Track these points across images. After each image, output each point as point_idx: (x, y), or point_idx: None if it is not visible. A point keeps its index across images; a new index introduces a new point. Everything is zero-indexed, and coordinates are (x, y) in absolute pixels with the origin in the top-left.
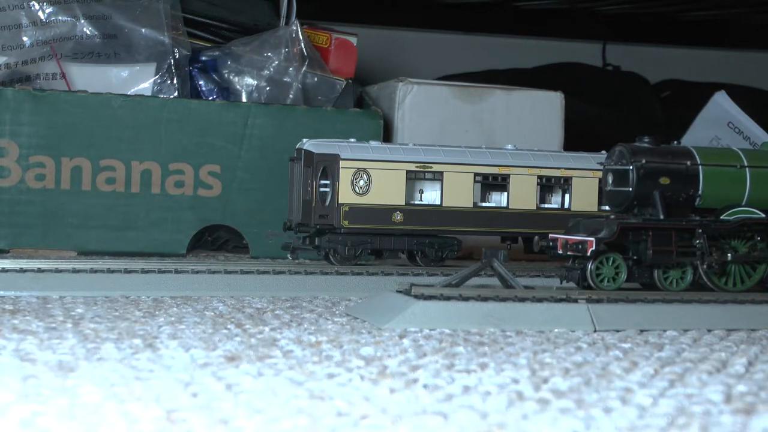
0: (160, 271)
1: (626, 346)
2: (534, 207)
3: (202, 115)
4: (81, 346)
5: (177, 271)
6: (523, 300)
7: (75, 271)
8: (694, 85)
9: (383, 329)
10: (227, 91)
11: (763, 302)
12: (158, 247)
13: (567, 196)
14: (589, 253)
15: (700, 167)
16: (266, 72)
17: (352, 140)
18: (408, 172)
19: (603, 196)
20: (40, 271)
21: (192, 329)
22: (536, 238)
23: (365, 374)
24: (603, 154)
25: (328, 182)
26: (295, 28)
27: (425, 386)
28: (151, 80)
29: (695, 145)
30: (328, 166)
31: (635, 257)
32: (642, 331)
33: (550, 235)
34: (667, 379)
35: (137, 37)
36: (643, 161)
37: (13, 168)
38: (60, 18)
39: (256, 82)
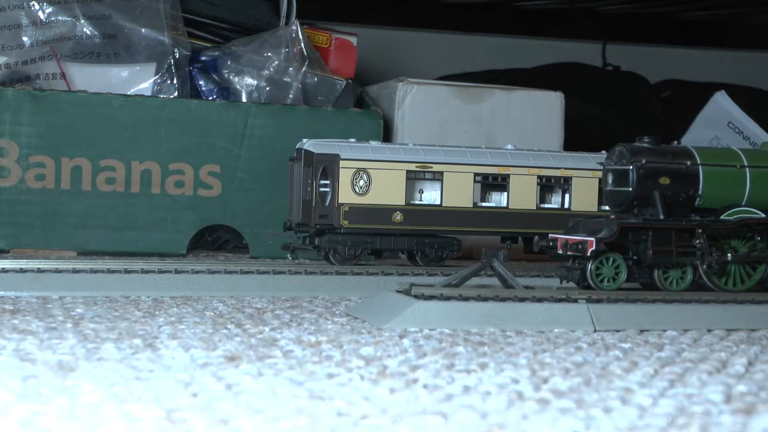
0: (160, 271)
1: (626, 346)
2: (534, 207)
3: (202, 115)
4: (81, 346)
5: (177, 271)
6: (523, 300)
7: (75, 271)
8: (694, 85)
9: (383, 329)
10: (227, 91)
11: (763, 302)
12: (158, 247)
13: (567, 196)
14: (589, 253)
15: (700, 167)
16: (266, 72)
17: (352, 140)
18: (408, 172)
19: (603, 196)
20: (40, 271)
21: (192, 329)
22: (536, 238)
23: (365, 374)
24: (603, 154)
25: (328, 182)
26: (295, 28)
27: (425, 386)
28: (151, 80)
29: (695, 145)
30: (328, 166)
31: (635, 257)
32: (642, 331)
33: (550, 235)
34: (667, 379)
35: (137, 37)
36: (643, 161)
37: (13, 168)
38: (60, 18)
39: (256, 82)
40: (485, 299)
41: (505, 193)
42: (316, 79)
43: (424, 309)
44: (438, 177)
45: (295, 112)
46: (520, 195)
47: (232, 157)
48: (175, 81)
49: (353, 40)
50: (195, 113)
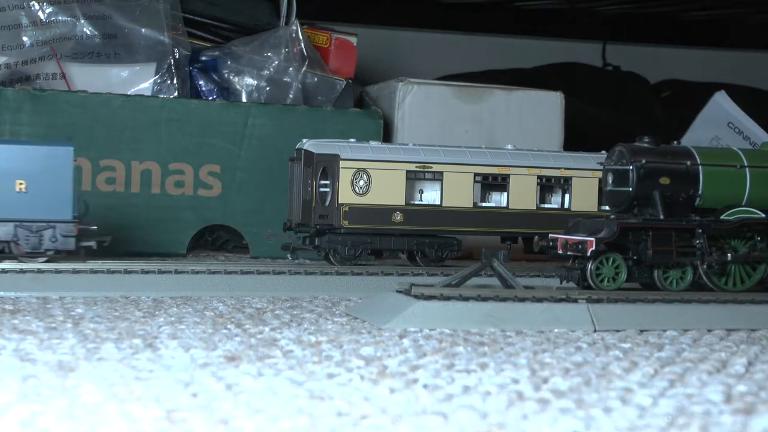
0: (160, 272)
1: (626, 346)
2: (534, 207)
3: (202, 115)
4: (81, 346)
5: (177, 272)
6: (523, 300)
7: (75, 271)
8: (694, 85)
9: (383, 329)
10: (227, 91)
11: (763, 302)
12: (158, 247)
13: (567, 196)
14: (589, 253)
15: (700, 167)
16: (266, 72)
17: (352, 140)
18: (408, 172)
19: (603, 196)
20: (40, 271)
21: (192, 329)
22: (536, 238)
23: (365, 374)
24: (603, 154)
25: (328, 182)
26: (295, 28)
27: (425, 386)
28: (151, 80)
29: (695, 145)
30: (328, 166)
31: (635, 257)
32: (642, 331)
33: (550, 235)
34: (667, 379)
35: (137, 37)
36: (643, 161)
37: None
38: (60, 18)
39: (256, 82)
40: (485, 299)
41: (505, 193)
42: (316, 79)
43: (424, 309)
44: (438, 177)
45: (295, 112)
46: (520, 195)
47: (232, 157)
48: (175, 81)
49: (353, 40)
50: (195, 113)
